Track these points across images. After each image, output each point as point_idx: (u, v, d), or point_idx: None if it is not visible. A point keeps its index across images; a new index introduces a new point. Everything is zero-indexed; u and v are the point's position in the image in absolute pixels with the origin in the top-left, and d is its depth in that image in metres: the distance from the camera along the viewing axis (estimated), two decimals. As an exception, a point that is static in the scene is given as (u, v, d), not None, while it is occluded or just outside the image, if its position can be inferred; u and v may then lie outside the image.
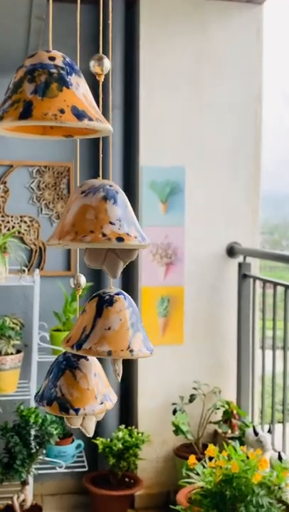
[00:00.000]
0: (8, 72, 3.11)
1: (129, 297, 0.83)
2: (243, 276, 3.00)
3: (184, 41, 3.10)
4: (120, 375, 0.81)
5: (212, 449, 2.16)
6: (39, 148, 3.19)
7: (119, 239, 0.75)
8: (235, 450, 2.15)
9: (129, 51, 3.18)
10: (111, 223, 0.76)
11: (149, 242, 0.79)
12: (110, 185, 0.81)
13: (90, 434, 0.87)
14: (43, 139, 0.88)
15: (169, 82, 3.09)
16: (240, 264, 3.04)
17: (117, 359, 0.80)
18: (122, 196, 0.80)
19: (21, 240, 3.17)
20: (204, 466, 2.22)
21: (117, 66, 3.12)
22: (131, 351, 0.77)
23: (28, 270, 3.12)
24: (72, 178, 3.21)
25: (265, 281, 2.86)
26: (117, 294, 0.82)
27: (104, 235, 0.74)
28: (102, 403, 0.82)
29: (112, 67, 3.10)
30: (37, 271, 3.03)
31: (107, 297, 0.81)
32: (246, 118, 3.18)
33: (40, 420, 2.63)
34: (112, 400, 0.82)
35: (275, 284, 2.71)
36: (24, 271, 3.05)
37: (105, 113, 3.13)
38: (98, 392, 0.83)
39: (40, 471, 2.85)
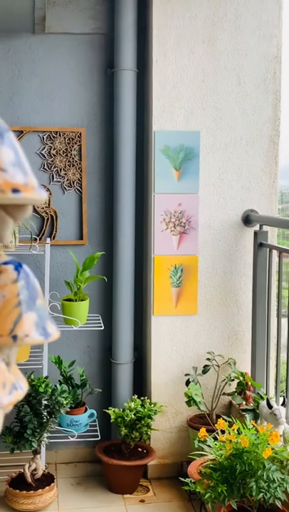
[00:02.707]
0: (16, 32, 3.00)
1: (25, 268, 0.66)
2: (260, 245, 2.90)
3: (199, 1, 2.94)
4: (11, 365, 0.64)
5: (222, 423, 2.11)
6: (50, 113, 3.10)
7: (15, 190, 0.57)
8: (244, 424, 2.09)
9: (142, 12, 3.04)
10: (2, 170, 0.58)
11: (45, 195, 0.62)
12: None
13: None
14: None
15: (184, 44, 2.95)
16: (256, 233, 2.94)
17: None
18: (11, 136, 0.62)
19: (33, 208, 3.10)
20: (216, 439, 2.18)
21: (129, 27, 2.99)
22: (14, 337, 0.60)
23: (40, 239, 3.07)
24: (84, 144, 3.12)
25: (281, 251, 2.76)
26: (5, 263, 0.65)
27: None
28: (10, 393, 0.63)
29: (125, 28, 2.98)
30: (48, 240, 2.97)
31: None
32: (264, 80, 3.03)
33: (50, 390, 2.61)
34: (22, 388, 0.65)
35: (292, 254, 2.60)
36: (35, 240, 3.00)
37: (115, 77, 3.02)
38: (6, 381, 0.64)
39: (53, 440, 2.85)
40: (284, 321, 2.75)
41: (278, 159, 3.11)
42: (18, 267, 0.64)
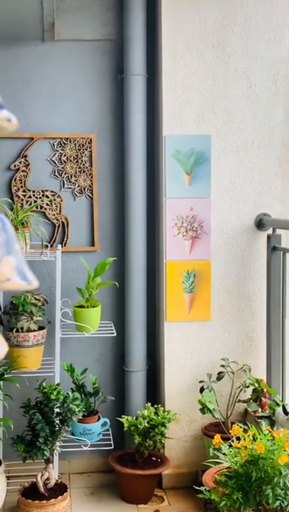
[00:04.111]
0: (26, 40, 3.01)
1: None
2: (273, 248, 2.86)
3: (208, 5, 2.93)
4: None
5: (236, 429, 2.06)
6: (60, 120, 3.10)
7: None
8: (260, 430, 2.04)
9: (152, 16, 3.03)
10: None
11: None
12: None
13: None
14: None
15: (193, 48, 2.93)
16: (269, 237, 2.90)
17: None
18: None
19: (44, 214, 3.10)
20: (231, 446, 2.12)
21: (138, 32, 2.99)
22: None
23: (51, 246, 3.05)
24: (95, 150, 3.11)
25: (295, 254, 2.71)
26: None
27: None
28: None
29: (134, 33, 2.97)
30: (59, 246, 2.95)
31: None
32: (275, 83, 3.00)
33: (61, 397, 2.58)
34: (2, 348, 0.62)
35: (306, 256, 2.56)
36: (47, 246, 2.99)
37: (125, 83, 3.01)
38: None
39: (66, 449, 2.81)
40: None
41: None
42: None
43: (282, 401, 2.69)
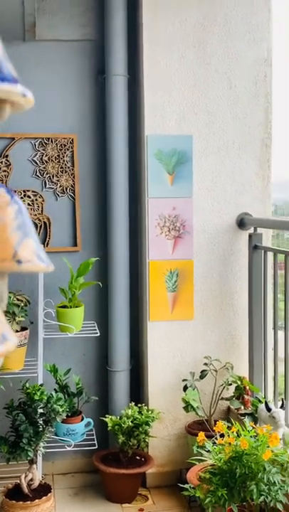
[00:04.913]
0: (7, 40, 2.99)
1: (13, 192, 0.63)
2: (254, 247, 2.89)
3: (189, 6, 2.95)
4: (5, 301, 0.62)
5: (220, 426, 2.08)
6: (41, 120, 3.09)
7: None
8: (244, 426, 2.06)
9: (132, 17, 3.04)
10: None
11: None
12: None
13: None
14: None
15: (174, 48, 2.95)
16: (250, 236, 2.93)
17: None
18: None
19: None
20: (215, 443, 2.14)
21: (119, 32, 2.99)
22: (18, 261, 0.57)
23: (33, 246, 3.03)
24: (77, 150, 3.11)
25: (276, 252, 2.75)
26: None
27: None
28: (1, 344, 0.58)
29: (115, 34, 2.98)
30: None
31: None
32: (255, 83, 3.03)
33: (45, 397, 2.57)
34: (12, 340, 0.61)
35: (287, 254, 2.59)
36: (29, 247, 2.97)
37: (107, 83, 3.01)
38: None
39: (49, 450, 2.80)
40: (281, 323, 2.72)
41: (271, 162, 3.11)
42: (9, 190, 0.60)
43: (264, 398, 2.72)
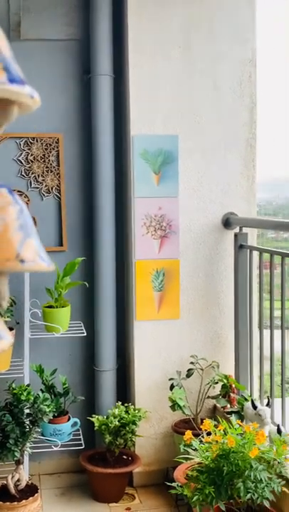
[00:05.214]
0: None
1: (15, 193, 0.64)
2: (240, 246, 2.91)
3: (174, 6, 2.96)
4: (6, 300, 0.63)
5: (208, 424, 2.09)
6: (27, 119, 3.07)
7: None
8: (231, 424, 2.07)
9: (118, 16, 3.04)
10: None
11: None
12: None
13: None
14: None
15: (159, 49, 2.96)
16: (236, 235, 2.94)
17: (1, 276, 0.61)
18: None
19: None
20: (202, 442, 2.15)
21: (104, 32, 3.00)
22: (21, 261, 0.58)
23: (19, 246, 3.02)
24: (62, 150, 3.10)
25: (262, 251, 2.77)
26: None
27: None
28: None
29: (100, 34, 2.98)
30: (27, 246, 2.93)
31: None
32: (240, 84, 3.05)
33: (32, 398, 2.57)
34: (7, 338, 0.61)
35: (272, 253, 2.61)
36: (14, 247, 2.96)
37: (92, 83, 3.00)
38: None
39: (36, 450, 2.80)
40: (266, 322, 2.75)
41: (256, 162, 3.13)
42: (11, 191, 0.61)
43: (250, 396, 2.74)
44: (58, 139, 3.10)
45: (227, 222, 3.03)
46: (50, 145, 3.10)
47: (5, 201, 0.60)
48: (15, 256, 0.57)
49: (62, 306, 2.92)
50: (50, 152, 3.10)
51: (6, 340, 0.58)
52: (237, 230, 2.98)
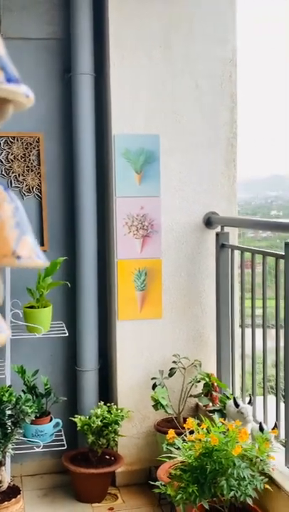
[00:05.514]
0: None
1: (10, 190, 0.64)
2: (222, 246, 2.92)
3: (155, 6, 2.96)
4: (1, 296, 0.63)
5: (191, 422, 2.10)
6: (7, 118, 3.05)
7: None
8: (214, 423, 2.08)
9: (99, 15, 3.03)
10: None
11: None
12: None
13: None
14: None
15: (140, 48, 2.96)
16: (217, 234, 2.96)
17: None
18: None
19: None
20: (185, 440, 2.16)
21: (85, 31, 2.99)
22: (18, 258, 0.59)
23: (-1, 246, 3.00)
24: (43, 149, 3.08)
25: (243, 250, 2.78)
26: None
27: None
28: None
29: (81, 32, 2.97)
30: (8, 246, 2.91)
31: None
32: (221, 84, 3.07)
33: (14, 399, 2.55)
34: (5, 331, 0.62)
35: (253, 253, 2.63)
36: (-5, 247, 2.93)
37: (73, 82, 2.99)
38: None
39: (18, 452, 2.78)
40: (248, 321, 2.76)
41: (237, 162, 3.15)
42: (6, 188, 0.61)
43: (232, 394, 2.75)
44: (38, 138, 3.08)
45: (209, 222, 3.04)
46: (31, 144, 3.08)
47: (0, 198, 0.60)
48: (11, 253, 0.57)
49: (44, 307, 2.90)
50: (31, 151, 3.08)
51: (4, 334, 0.58)
52: (218, 229, 3.00)
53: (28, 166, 3.08)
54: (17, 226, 0.59)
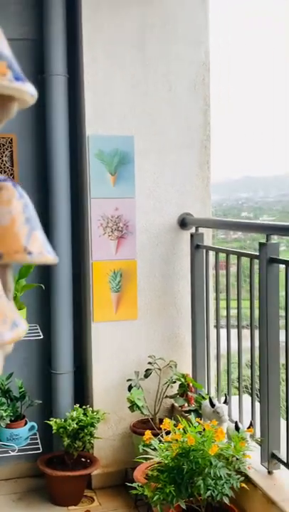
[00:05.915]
0: None
1: (18, 186, 0.64)
2: (196, 247, 2.94)
3: (129, 7, 2.97)
4: (12, 291, 0.63)
5: (167, 423, 2.10)
6: (-21, 119, 3.02)
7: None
8: (190, 423, 2.09)
9: (72, 15, 3.02)
10: None
11: None
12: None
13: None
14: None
15: (114, 49, 2.96)
16: (192, 235, 2.97)
17: (6, 268, 0.61)
18: None
19: None
20: (161, 441, 2.16)
21: (58, 32, 2.97)
22: (29, 253, 0.59)
23: (-28, 248, 2.96)
24: (16, 150, 3.06)
25: (217, 251, 2.80)
26: (3, 180, 0.62)
27: None
28: (12, 330, 0.58)
29: (54, 33, 2.95)
30: (-19, 248, 2.87)
31: None
32: (194, 86, 3.09)
33: (-12, 403, 2.52)
34: (23, 326, 0.61)
35: (228, 253, 2.65)
36: None
37: (46, 83, 2.96)
38: (6, 316, 0.59)
39: (-8, 456, 2.74)
40: (223, 321, 2.78)
41: (210, 164, 3.17)
42: (15, 185, 0.61)
43: (207, 394, 2.77)
44: (11, 139, 3.05)
45: (183, 223, 3.06)
46: (4, 145, 3.05)
47: (11, 194, 0.60)
48: (23, 249, 0.58)
49: (18, 309, 2.87)
50: (4, 152, 3.05)
51: (21, 329, 0.58)
52: (193, 230, 3.01)
53: (0, 167, 3.05)
54: (27, 222, 0.60)
